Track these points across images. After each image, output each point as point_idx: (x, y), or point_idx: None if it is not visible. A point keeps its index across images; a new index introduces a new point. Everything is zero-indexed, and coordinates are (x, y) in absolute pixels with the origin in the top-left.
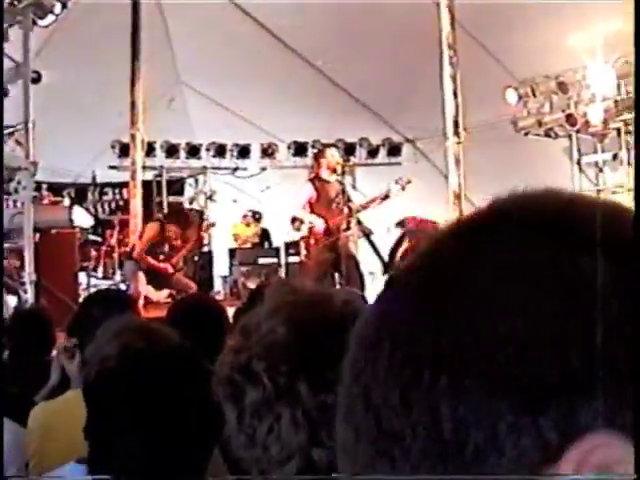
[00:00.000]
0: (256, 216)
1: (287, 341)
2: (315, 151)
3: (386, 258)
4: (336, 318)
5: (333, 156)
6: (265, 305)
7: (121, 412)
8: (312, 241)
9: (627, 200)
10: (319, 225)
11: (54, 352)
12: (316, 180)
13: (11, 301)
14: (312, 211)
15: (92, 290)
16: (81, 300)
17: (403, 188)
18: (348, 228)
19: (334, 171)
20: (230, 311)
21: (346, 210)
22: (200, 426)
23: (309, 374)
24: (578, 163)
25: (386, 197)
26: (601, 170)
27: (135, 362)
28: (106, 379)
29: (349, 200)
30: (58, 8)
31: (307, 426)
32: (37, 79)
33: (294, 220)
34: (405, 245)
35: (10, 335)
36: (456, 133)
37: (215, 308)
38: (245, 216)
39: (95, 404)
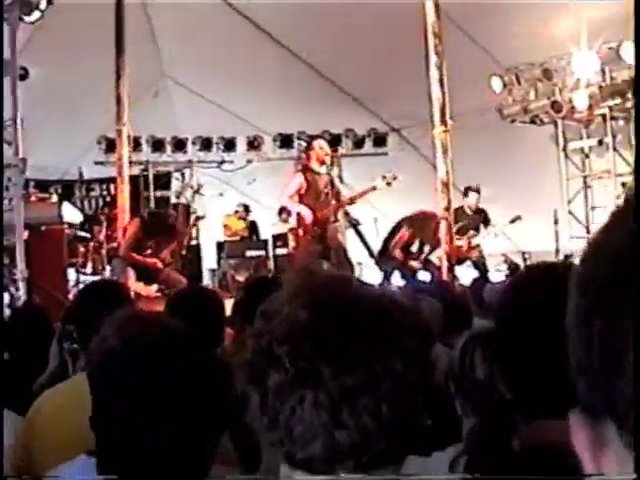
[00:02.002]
0: (247, 209)
1: (308, 324)
2: (303, 143)
3: (379, 247)
4: (355, 300)
5: (322, 148)
6: (285, 290)
7: (125, 402)
8: (300, 232)
9: (613, 186)
10: (308, 216)
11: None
12: (306, 171)
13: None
14: (301, 202)
15: (81, 286)
16: (78, 290)
17: (389, 184)
18: (336, 220)
19: (323, 163)
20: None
21: (334, 202)
22: (207, 413)
23: (330, 356)
24: (564, 149)
25: (373, 190)
26: (587, 156)
27: (139, 351)
28: (111, 369)
29: (338, 192)
30: (44, 4)
31: (329, 407)
32: (24, 75)
33: (281, 212)
34: (402, 234)
35: (10, 331)
36: (443, 121)
37: (213, 299)
38: (237, 211)
39: (100, 394)
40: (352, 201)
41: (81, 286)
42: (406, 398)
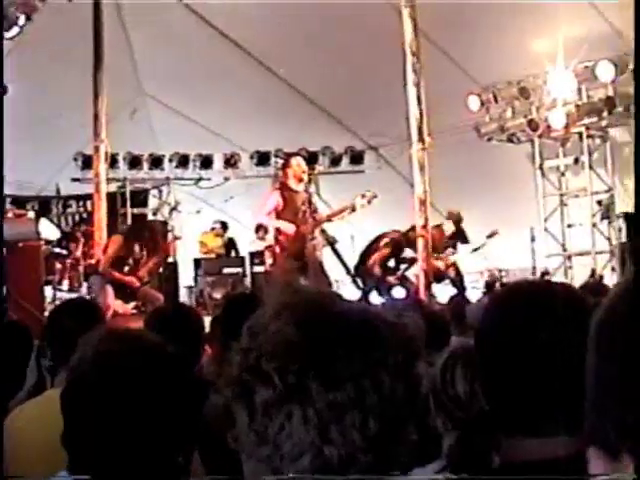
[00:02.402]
0: (224, 226)
1: (296, 340)
2: (280, 160)
3: (355, 263)
4: (342, 316)
5: (299, 165)
6: (270, 306)
7: (95, 417)
8: (277, 250)
9: (589, 204)
10: (289, 229)
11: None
12: (283, 189)
13: None
14: (278, 219)
15: (57, 303)
16: (53, 309)
17: (369, 202)
18: (314, 237)
19: (300, 180)
20: None
21: (311, 220)
22: (179, 429)
23: (319, 372)
24: (540, 167)
25: (352, 210)
26: (563, 174)
27: (108, 366)
28: (79, 384)
29: (315, 210)
30: (22, 20)
31: (318, 424)
32: (2, 92)
33: (258, 229)
34: (382, 251)
35: None
36: (420, 139)
37: (192, 316)
38: (213, 228)
39: (70, 411)
40: (329, 218)
41: (57, 303)
42: (393, 413)
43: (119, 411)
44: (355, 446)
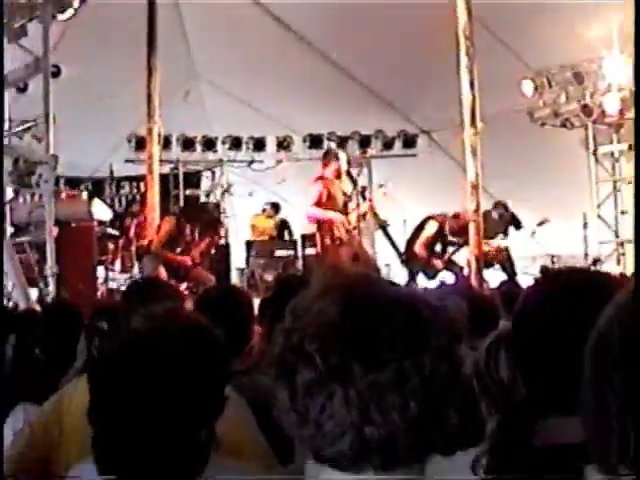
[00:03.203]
0: (274, 207)
1: (339, 321)
2: (333, 143)
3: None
4: (385, 298)
5: (339, 160)
6: (314, 287)
7: (119, 394)
8: (326, 235)
9: None
10: (339, 219)
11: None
12: (323, 180)
13: (32, 293)
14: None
15: (110, 284)
16: (125, 288)
17: (385, 194)
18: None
19: (338, 177)
20: None
21: (354, 211)
22: (205, 408)
23: (361, 353)
24: (594, 153)
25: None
26: (617, 160)
27: (134, 345)
28: (109, 361)
29: (358, 204)
30: (77, 2)
31: (359, 404)
32: (57, 73)
33: None
34: (427, 232)
35: (42, 327)
36: (473, 124)
37: (242, 298)
38: (265, 209)
39: (97, 388)
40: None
41: (110, 283)
42: (434, 396)
43: (143, 389)
44: (395, 427)
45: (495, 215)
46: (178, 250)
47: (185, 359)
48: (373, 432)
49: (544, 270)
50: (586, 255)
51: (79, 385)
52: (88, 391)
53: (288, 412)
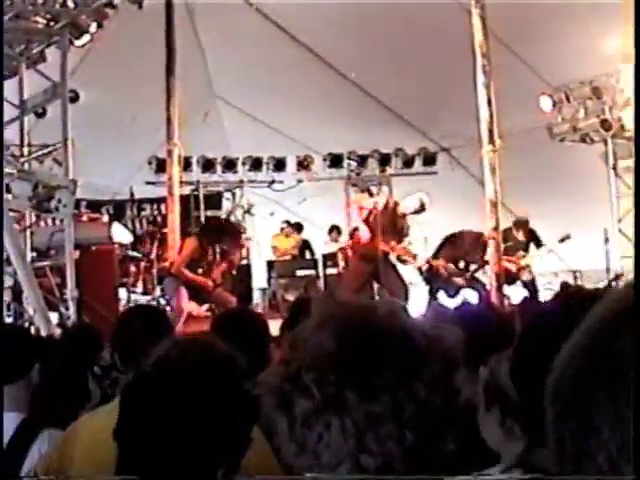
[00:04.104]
0: (296, 227)
1: (335, 352)
2: (353, 163)
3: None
4: (381, 329)
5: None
6: (312, 318)
7: (147, 418)
8: (350, 252)
9: None
10: (364, 235)
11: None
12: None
13: (52, 318)
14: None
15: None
16: (118, 317)
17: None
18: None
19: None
20: (270, 323)
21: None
22: (228, 436)
23: (356, 383)
24: (614, 168)
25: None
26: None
27: (166, 370)
28: (138, 384)
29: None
30: (94, 27)
31: (355, 433)
32: (75, 98)
33: (332, 230)
34: (448, 249)
35: (61, 350)
36: (491, 141)
37: (257, 321)
38: (282, 228)
39: (126, 408)
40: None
41: (131, 305)
42: (430, 424)
43: (170, 416)
44: (392, 456)
45: (515, 232)
46: (200, 271)
47: (216, 394)
48: (369, 461)
49: (564, 286)
50: (608, 270)
51: (90, 420)
52: (104, 419)
53: (287, 442)
